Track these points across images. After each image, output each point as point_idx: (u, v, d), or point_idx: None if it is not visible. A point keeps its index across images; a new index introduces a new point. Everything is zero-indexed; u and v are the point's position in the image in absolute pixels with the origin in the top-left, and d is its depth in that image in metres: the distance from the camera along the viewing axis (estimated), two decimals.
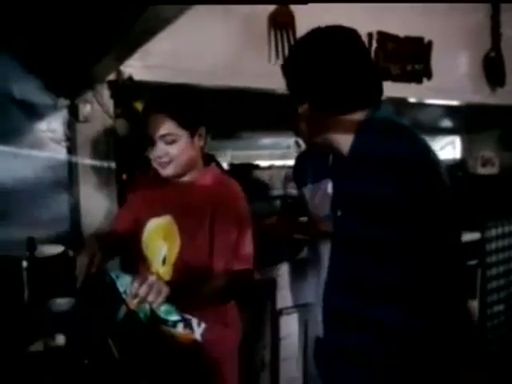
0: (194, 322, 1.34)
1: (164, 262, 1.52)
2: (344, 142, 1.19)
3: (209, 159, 1.65)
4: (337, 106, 1.15)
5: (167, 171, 1.53)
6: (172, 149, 1.49)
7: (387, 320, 1.05)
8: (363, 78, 1.14)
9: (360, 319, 1.11)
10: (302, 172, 2.27)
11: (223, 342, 1.53)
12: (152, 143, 1.51)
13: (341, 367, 1.21)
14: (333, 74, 1.13)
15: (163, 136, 1.48)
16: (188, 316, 1.33)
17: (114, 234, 1.64)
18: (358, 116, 1.15)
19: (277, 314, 2.45)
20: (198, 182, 1.58)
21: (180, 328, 1.37)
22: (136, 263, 1.58)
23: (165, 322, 1.32)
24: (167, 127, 1.48)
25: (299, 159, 2.38)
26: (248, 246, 1.51)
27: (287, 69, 1.28)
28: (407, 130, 1.10)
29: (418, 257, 1.02)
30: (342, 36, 1.18)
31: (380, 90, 1.19)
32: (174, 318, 1.29)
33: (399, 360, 1.04)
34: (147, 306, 1.26)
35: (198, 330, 1.33)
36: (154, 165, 1.54)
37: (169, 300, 1.26)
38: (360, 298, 1.10)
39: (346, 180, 1.16)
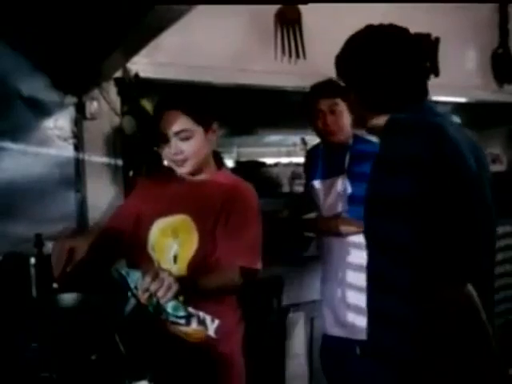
0: (208, 318, 1.34)
1: (175, 260, 1.51)
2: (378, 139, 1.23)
3: (217, 157, 1.65)
4: (378, 102, 1.20)
5: (183, 169, 1.51)
6: (187, 146, 1.47)
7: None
8: (408, 79, 1.19)
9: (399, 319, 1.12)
10: (312, 165, 2.27)
11: (230, 339, 1.54)
12: (166, 141, 1.48)
13: (376, 367, 1.22)
14: (380, 71, 1.18)
15: (178, 133, 1.46)
16: (196, 312, 1.34)
17: (112, 232, 1.61)
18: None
19: (283, 312, 2.45)
20: (212, 180, 1.57)
21: (194, 325, 1.37)
22: (138, 262, 1.56)
23: (176, 318, 1.33)
24: (182, 123, 1.46)
25: (311, 152, 2.37)
26: (257, 245, 1.51)
27: (340, 60, 1.30)
28: (427, 129, 1.10)
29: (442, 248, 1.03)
30: (395, 37, 1.22)
31: (424, 92, 1.22)
32: (182, 313, 1.30)
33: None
34: (155, 301, 1.26)
35: (212, 327, 1.33)
36: (169, 163, 1.52)
37: (179, 294, 1.27)
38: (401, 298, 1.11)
39: (373, 179, 1.19)
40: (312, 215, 2.32)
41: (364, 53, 1.21)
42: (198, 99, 1.54)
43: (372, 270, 1.20)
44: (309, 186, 2.26)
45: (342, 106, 2.07)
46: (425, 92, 1.23)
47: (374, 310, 1.22)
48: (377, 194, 1.14)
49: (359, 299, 2.04)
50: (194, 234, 1.49)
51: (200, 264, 1.48)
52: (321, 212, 2.19)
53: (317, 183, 2.19)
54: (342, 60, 1.28)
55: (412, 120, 1.14)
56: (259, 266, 1.49)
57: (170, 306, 1.27)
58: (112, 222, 1.64)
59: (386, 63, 1.18)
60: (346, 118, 2.07)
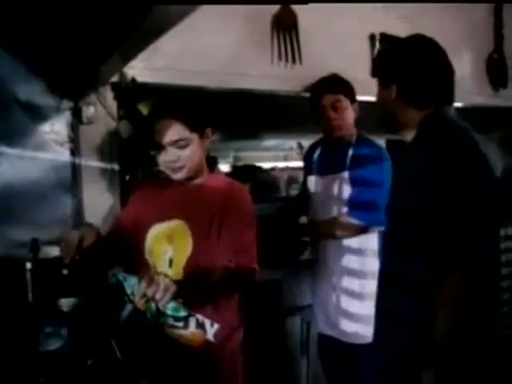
0: (207, 322, 1.33)
1: (170, 264, 1.51)
2: (408, 131, 1.43)
3: (211, 161, 1.65)
4: (418, 95, 1.41)
5: (180, 175, 1.52)
6: (185, 153, 1.48)
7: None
8: (443, 78, 1.45)
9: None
10: (310, 162, 2.26)
11: (229, 343, 1.54)
12: (161, 148, 1.49)
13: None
14: (423, 70, 1.42)
15: (175, 142, 1.46)
16: (197, 314, 1.33)
17: (113, 237, 1.61)
18: (426, 111, 1.39)
19: (281, 315, 2.45)
20: (207, 184, 1.58)
21: (192, 327, 1.37)
22: (137, 267, 1.56)
23: (175, 320, 1.32)
24: (178, 132, 1.46)
25: (310, 150, 2.36)
26: (253, 246, 1.52)
27: (386, 58, 1.55)
28: (466, 132, 1.33)
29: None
30: (434, 44, 1.48)
31: (452, 93, 1.46)
32: (182, 314, 1.29)
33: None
34: (154, 306, 1.26)
35: (211, 331, 1.33)
36: (164, 169, 1.54)
37: (177, 297, 1.26)
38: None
39: (407, 167, 1.39)
40: (305, 219, 2.32)
41: (413, 53, 1.45)
42: (193, 106, 1.55)
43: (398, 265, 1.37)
44: (305, 184, 2.26)
45: (345, 102, 2.08)
46: (453, 97, 1.46)
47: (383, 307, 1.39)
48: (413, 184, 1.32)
49: (350, 304, 2.04)
50: (188, 239, 1.50)
51: (195, 267, 1.48)
52: (315, 211, 2.18)
53: (313, 179, 2.18)
54: (391, 56, 1.51)
55: (450, 121, 1.37)
56: (256, 266, 1.50)
57: (169, 308, 1.27)
58: (111, 233, 1.64)
59: (432, 62, 1.43)
60: (349, 115, 2.08)
